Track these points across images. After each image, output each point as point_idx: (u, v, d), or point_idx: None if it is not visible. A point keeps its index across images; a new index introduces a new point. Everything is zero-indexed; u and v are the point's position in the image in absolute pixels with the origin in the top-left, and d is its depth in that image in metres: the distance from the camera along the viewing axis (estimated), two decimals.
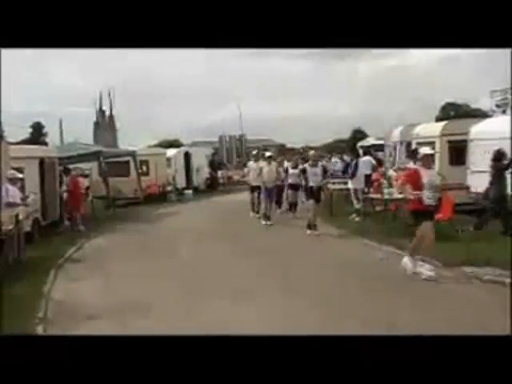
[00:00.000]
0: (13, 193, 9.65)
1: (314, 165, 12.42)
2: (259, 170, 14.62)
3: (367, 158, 15.22)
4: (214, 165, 30.13)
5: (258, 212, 15.20)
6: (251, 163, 16.23)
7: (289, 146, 61.68)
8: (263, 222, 14.05)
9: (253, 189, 15.38)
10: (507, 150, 10.56)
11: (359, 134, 50.67)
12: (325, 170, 12.95)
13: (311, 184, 12.14)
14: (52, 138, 52.92)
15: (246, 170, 17.46)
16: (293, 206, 15.45)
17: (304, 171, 12.42)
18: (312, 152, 13.90)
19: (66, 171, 15.43)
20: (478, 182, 12.09)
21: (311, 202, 12.21)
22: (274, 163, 15.05)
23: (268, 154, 15.89)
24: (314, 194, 12.19)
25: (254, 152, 19.44)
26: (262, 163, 14.92)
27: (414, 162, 11.43)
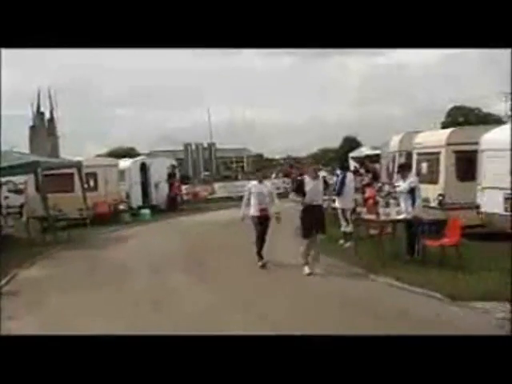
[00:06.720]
0: None
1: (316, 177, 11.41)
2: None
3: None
4: (175, 178, 29.33)
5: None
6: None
7: (267, 156, 62.15)
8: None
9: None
10: None
11: (351, 143, 51.07)
12: (325, 182, 11.99)
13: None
14: None
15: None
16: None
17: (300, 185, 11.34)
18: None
19: None
20: (491, 200, 12.27)
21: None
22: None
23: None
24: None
25: None
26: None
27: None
